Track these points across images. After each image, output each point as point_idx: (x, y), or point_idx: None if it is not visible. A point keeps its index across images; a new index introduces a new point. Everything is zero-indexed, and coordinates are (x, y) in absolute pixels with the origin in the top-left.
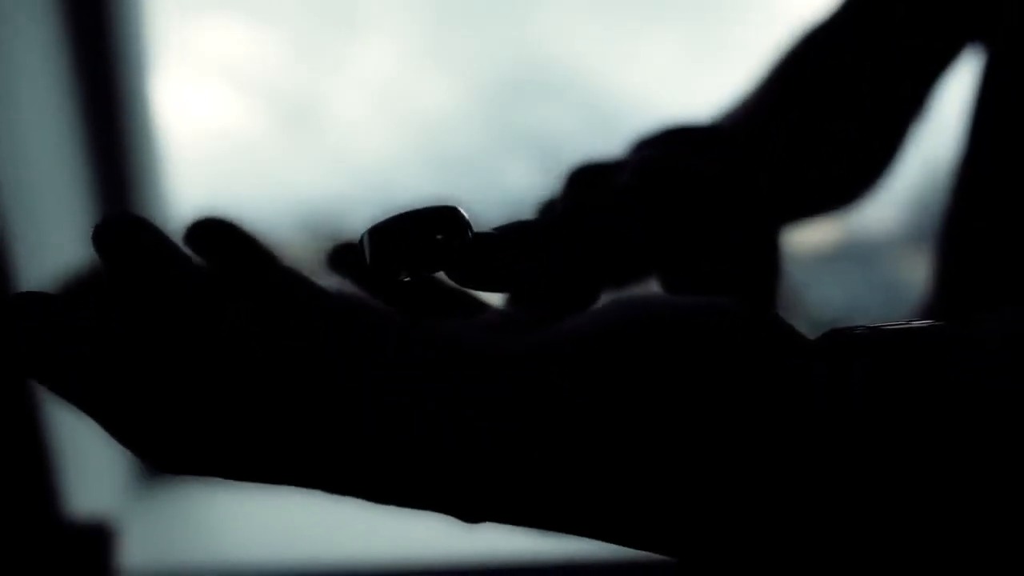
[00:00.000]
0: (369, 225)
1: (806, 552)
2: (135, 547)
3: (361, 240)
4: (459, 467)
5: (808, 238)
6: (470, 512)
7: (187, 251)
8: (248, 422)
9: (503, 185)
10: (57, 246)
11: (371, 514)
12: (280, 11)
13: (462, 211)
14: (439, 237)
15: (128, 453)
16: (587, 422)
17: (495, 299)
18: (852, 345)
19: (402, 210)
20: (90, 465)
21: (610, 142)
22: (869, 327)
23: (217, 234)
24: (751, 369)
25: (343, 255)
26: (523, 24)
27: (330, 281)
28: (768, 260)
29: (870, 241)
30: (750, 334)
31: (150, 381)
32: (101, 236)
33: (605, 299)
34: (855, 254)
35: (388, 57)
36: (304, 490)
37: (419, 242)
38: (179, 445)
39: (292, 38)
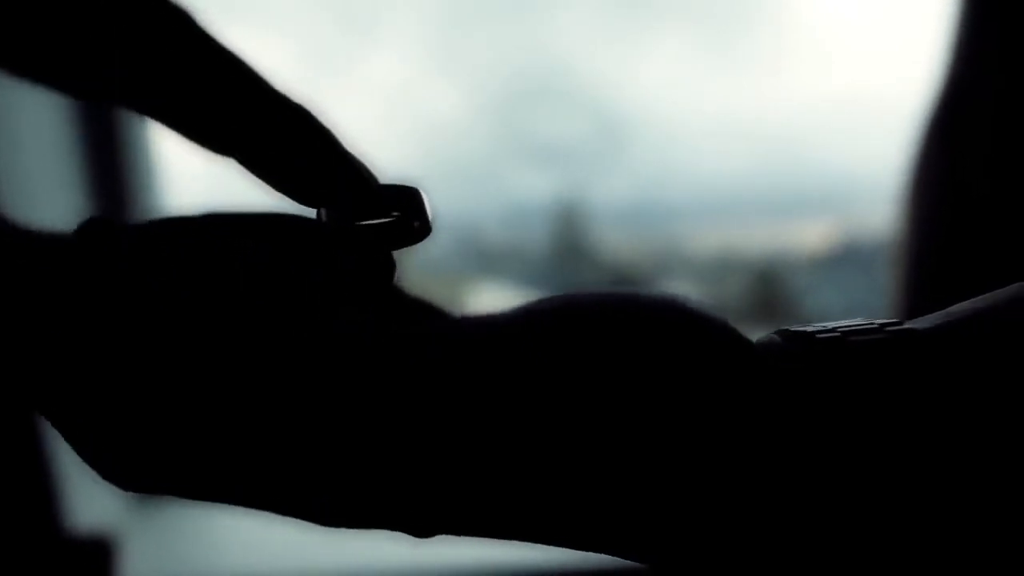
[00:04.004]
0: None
1: (795, 557)
2: (135, 561)
3: (319, 212)
4: (432, 449)
5: (806, 242)
6: (422, 525)
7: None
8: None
9: (510, 192)
10: None
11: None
12: (287, 19)
13: (423, 192)
14: (396, 215)
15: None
16: (555, 407)
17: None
18: (841, 349)
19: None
20: (91, 480)
21: (616, 148)
22: (825, 325)
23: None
24: (715, 366)
25: None
26: (530, 31)
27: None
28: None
29: (869, 245)
30: (707, 329)
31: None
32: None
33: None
34: (853, 258)
35: (395, 64)
36: (251, 510)
37: (376, 217)
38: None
39: (299, 45)
